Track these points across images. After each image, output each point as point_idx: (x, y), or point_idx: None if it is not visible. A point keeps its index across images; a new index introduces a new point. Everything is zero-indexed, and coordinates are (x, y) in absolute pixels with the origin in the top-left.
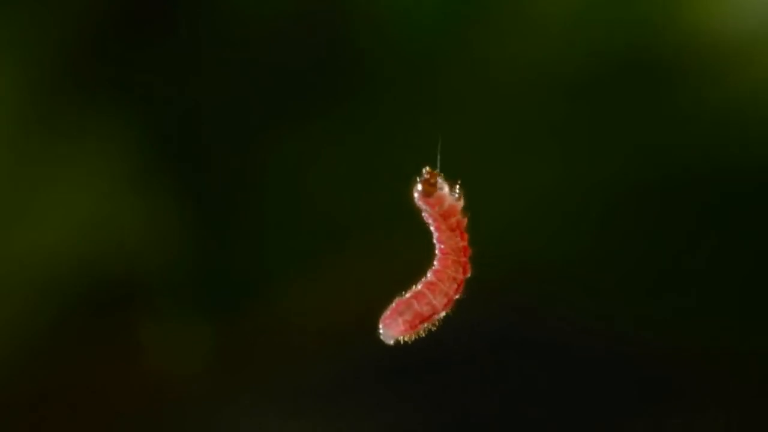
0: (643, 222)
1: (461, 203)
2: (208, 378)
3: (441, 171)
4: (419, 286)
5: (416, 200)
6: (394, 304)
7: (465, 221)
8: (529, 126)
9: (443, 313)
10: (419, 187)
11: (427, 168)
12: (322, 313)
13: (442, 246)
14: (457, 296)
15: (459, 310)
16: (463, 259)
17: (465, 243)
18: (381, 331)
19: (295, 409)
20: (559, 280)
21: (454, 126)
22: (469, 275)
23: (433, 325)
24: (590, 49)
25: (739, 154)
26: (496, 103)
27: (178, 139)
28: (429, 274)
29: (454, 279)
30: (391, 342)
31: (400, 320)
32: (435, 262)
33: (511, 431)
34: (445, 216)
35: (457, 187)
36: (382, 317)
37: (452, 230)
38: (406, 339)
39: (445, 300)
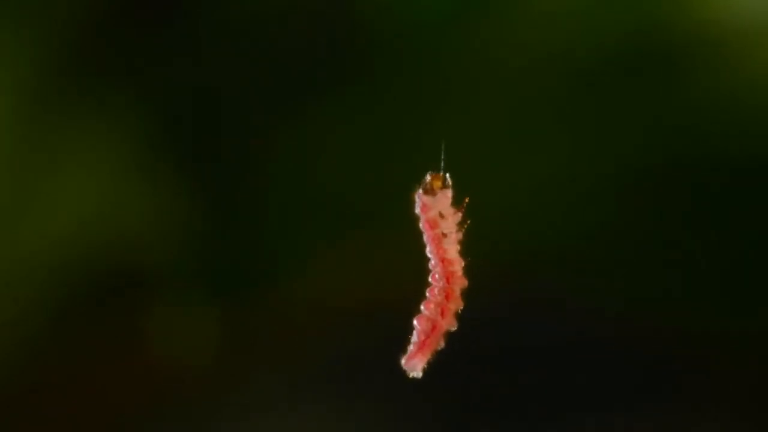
0: (651, 209)
1: (451, 218)
2: (216, 365)
3: (447, 167)
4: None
5: (415, 202)
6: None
7: (453, 235)
8: (537, 113)
9: (449, 324)
10: (419, 190)
11: (434, 172)
12: (328, 300)
13: (431, 258)
14: (452, 305)
15: (468, 296)
16: (450, 269)
17: (447, 255)
18: (406, 369)
19: (303, 395)
20: (566, 267)
21: (462, 113)
22: (459, 284)
23: (444, 336)
24: (599, 37)
25: (747, 140)
26: (505, 90)
27: (185, 127)
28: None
29: (443, 289)
30: (420, 373)
31: (412, 347)
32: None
33: (516, 414)
34: (430, 225)
35: (463, 205)
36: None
37: (435, 241)
38: (429, 360)
39: (440, 310)
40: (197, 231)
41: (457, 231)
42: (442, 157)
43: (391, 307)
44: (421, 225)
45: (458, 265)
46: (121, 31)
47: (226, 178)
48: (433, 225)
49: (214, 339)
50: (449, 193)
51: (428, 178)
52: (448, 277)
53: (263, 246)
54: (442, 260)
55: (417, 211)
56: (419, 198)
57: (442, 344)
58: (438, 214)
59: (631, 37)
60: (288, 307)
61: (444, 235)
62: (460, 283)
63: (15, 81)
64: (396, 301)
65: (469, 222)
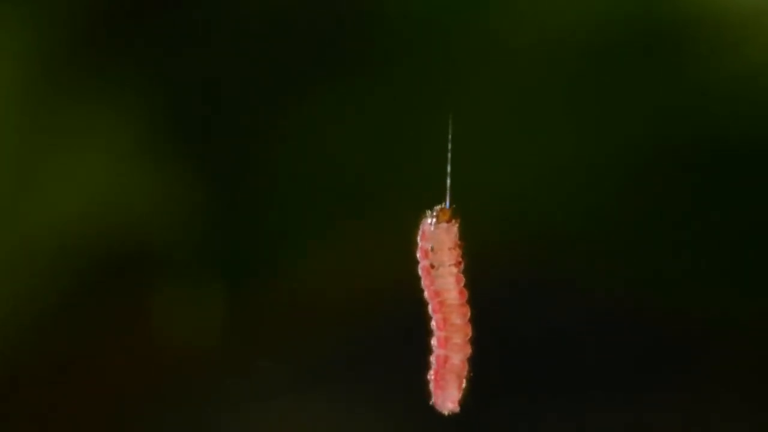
0: (659, 190)
1: (445, 253)
2: (218, 351)
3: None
4: None
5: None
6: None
7: (444, 268)
8: (544, 95)
9: (459, 351)
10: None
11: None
12: (335, 283)
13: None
14: (451, 333)
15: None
16: (438, 300)
17: (434, 287)
18: (441, 409)
19: (305, 382)
20: (574, 250)
21: (469, 93)
22: (454, 312)
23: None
24: (606, 19)
25: (756, 123)
26: (512, 70)
27: (191, 112)
28: None
29: (437, 321)
30: (455, 407)
31: (431, 385)
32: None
33: (524, 396)
34: (422, 254)
35: (461, 244)
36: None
37: (424, 272)
38: (458, 392)
39: (441, 342)
40: (202, 215)
41: (450, 265)
42: (449, 138)
43: (396, 297)
44: (417, 253)
45: (448, 294)
46: (128, 14)
47: (231, 163)
48: (424, 255)
49: (218, 324)
50: (451, 229)
51: (437, 209)
52: (436, 308)
53: (268, 233)
54: (428, 290)
55: (420, 237)
56: (422, 225)
57: (464, 373)
58: (430, 246)
59: (638, 19)
60: (291, 295)
61: (432, 266)
62: (454, 310)
63: (21, 63)
64: (401, 292)
65: (463, 262)
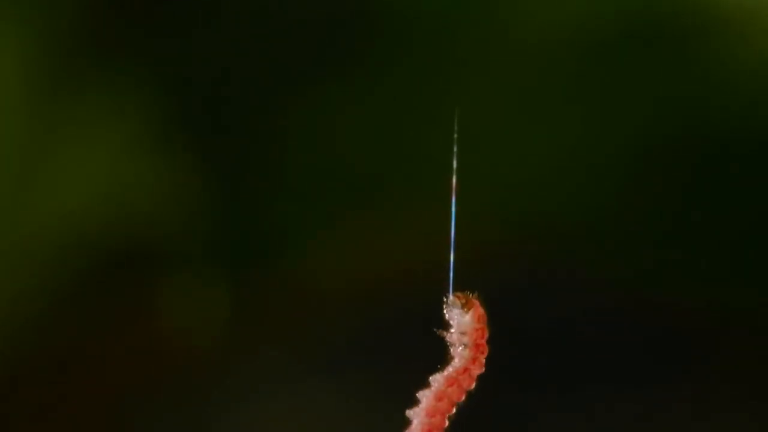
0: (662, 182)
1: (455, 334)
2: (224, 345)
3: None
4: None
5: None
6: None
7: (457, 349)
8: (549, 87)
9: (433, 417)
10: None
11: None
12: (341, 273)
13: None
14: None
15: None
16: (450, 366)
17: (451, 360)
18: None
19: (314, 368)
20: (574, 247)
21: (473, 86)
22: (446, 384)
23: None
24: (611, 11)
25: (759, 114)
26: (516, 63)
27: (196, 105)
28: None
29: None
30: None
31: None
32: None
33: (527, 388)
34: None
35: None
36: None
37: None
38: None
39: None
40: (207, 207)
41: (461, 346)
42: (455, 131)
43: (401, 286)
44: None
45: (452, 367)
46: (133, 7)
47: (236, 155)
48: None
49: (223, 316)
50: (464, 314)
51: (457, 295)
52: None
53: (271, 229)
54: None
55: (448, 317)
56: (450, 308)
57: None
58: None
59: (640, 18)
60: (297, 285)
61: (450, 343)
62: (433, 391)
63: (25, 58)
64: (405, 282)
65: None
